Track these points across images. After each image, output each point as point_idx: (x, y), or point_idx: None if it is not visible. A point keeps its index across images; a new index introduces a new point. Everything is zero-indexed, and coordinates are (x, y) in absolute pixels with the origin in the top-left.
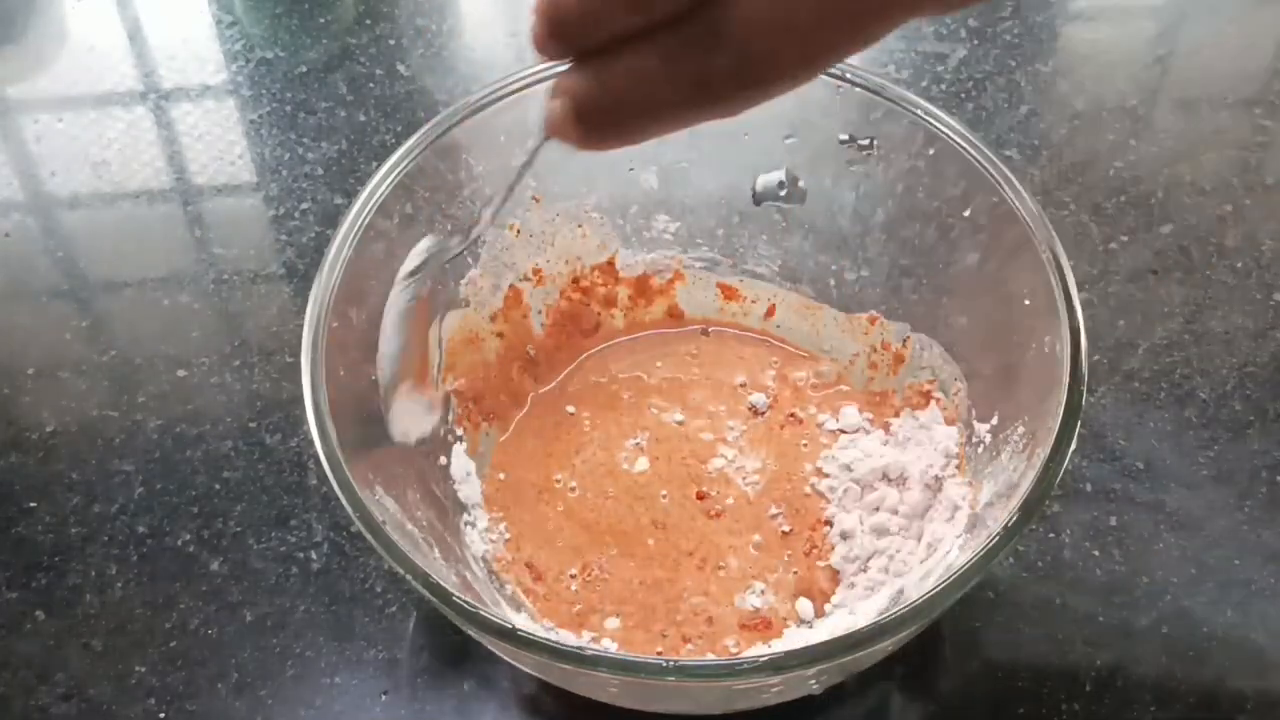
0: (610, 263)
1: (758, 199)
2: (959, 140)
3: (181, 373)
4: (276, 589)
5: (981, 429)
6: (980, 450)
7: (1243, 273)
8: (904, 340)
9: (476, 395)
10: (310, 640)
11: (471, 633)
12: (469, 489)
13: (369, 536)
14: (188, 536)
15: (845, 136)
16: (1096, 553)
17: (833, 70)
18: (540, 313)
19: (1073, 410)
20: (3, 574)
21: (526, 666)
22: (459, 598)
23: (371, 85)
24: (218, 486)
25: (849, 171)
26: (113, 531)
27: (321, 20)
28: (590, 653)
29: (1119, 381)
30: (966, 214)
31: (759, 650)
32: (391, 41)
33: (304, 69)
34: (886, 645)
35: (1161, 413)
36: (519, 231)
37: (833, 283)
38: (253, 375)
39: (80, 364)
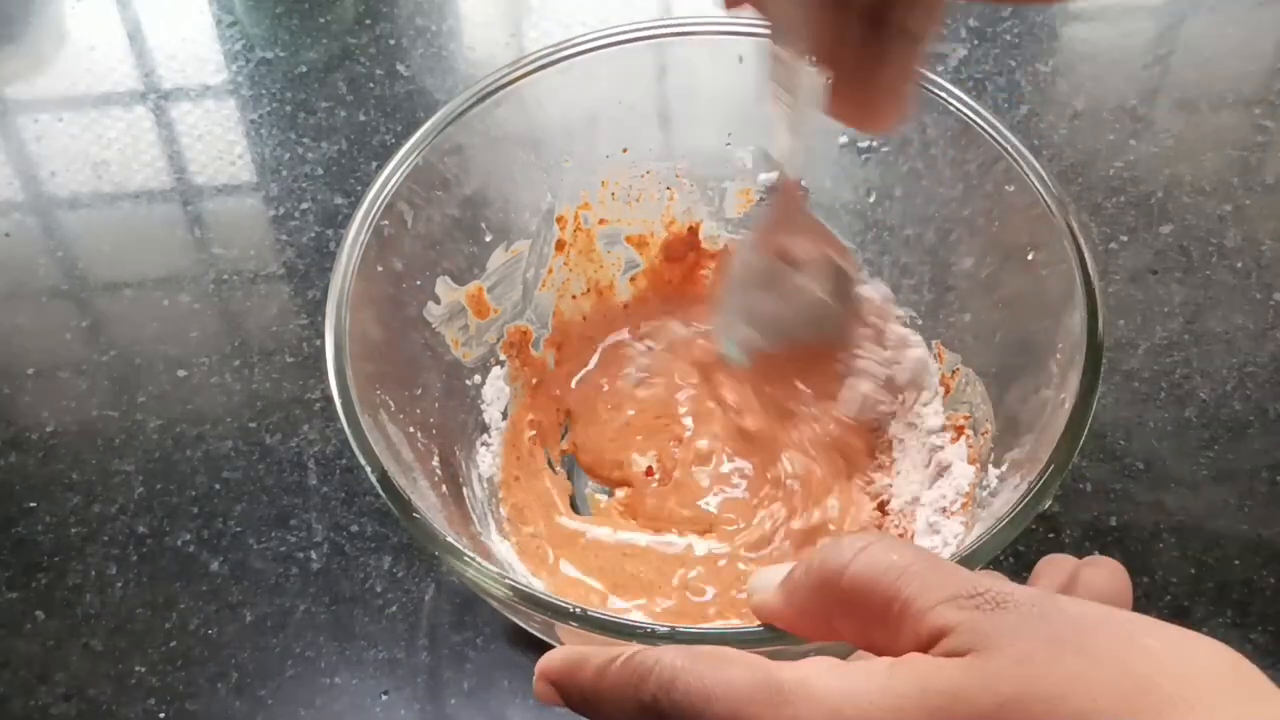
0: (693, 231)
1: (761, 195)
2: (1026, 169)
3: (181, 373)
4: (276, 589)
5: (993, 474)
6: (986, 494)
7: (1243, 273)
8: (953, 371)
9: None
10: (310, 640)
11: (415, 536)
12: (495, 412)
13: (354, 444)
14: (188, 536)
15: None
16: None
17: None
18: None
19: (1058, 462)
20: (3, 574)
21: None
22: (420, 512)
23: (371, 85)
24: (218, 486)
25: (911, 190)
26: (113, 531)
27: (321, 20)
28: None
29: (1119, 381)
30: (1019, 237)
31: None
32: (391, 41)
33: (304, 69)
34: None
35: (1161, 413)
36: (606, 184)
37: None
38: (253, 375)
39: (80, 364)
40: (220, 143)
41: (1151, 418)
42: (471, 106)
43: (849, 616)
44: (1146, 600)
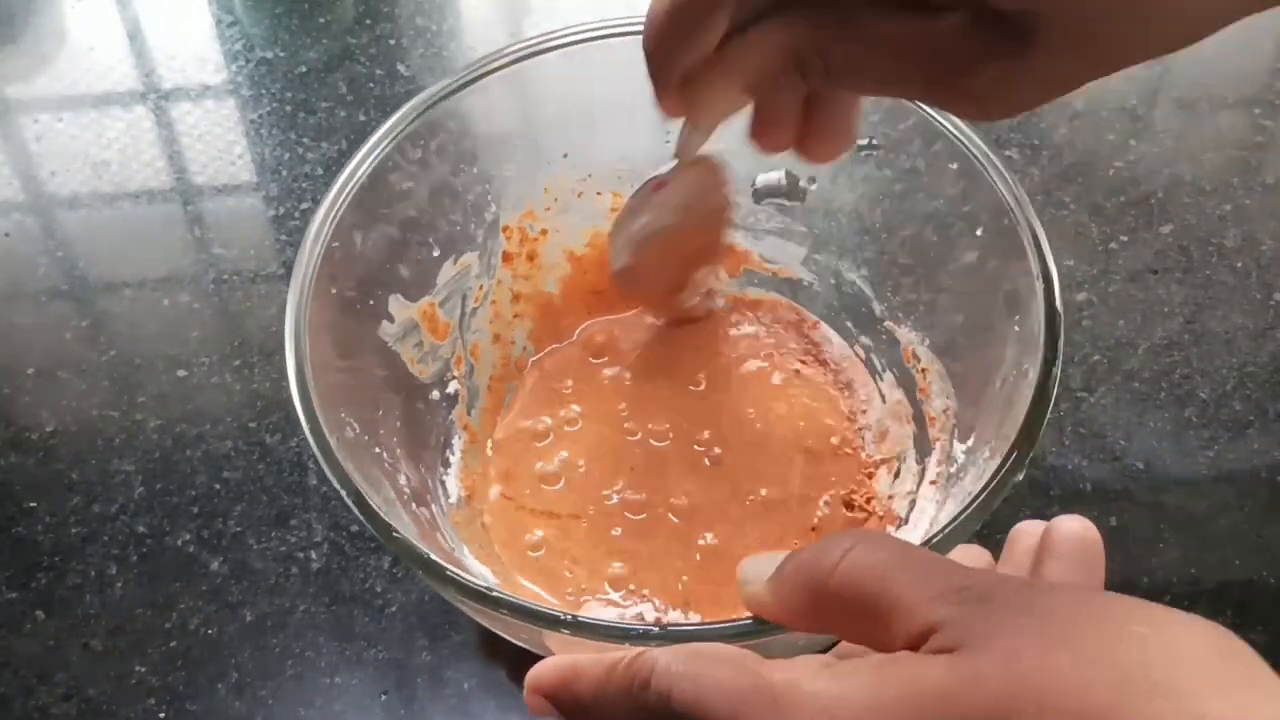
0: None
1: (757, 197)
2: (963, 140)
3: (181, 373)
4: (276, 589)
5: (959, 449)
6: (954, 469)
7: (1243, 273)
8: (909, 350)
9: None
10: (310, 640)
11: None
12: (457, 428)
13: (317, 451)
14: (188, 536)
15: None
16: None
17: None
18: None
19: (1029, 432)
20: (3, 574)
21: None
22: (377, 506)
23: (371, 85)
24: (218, 486)
25: (852, 171)
26: (113, 531)
27: (321, 20)
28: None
29: (1119, 381)
30: (965, 209)
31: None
32: (391, 41)
33: (304, 69)
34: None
35: (1161, 413)
36: (549, 190)
37: (833, 281)
38: (253, 375)
39: (80, 364)
40: (220, 143)
41: (1151, 418)
42: (411, 123)
43: (839, 615)
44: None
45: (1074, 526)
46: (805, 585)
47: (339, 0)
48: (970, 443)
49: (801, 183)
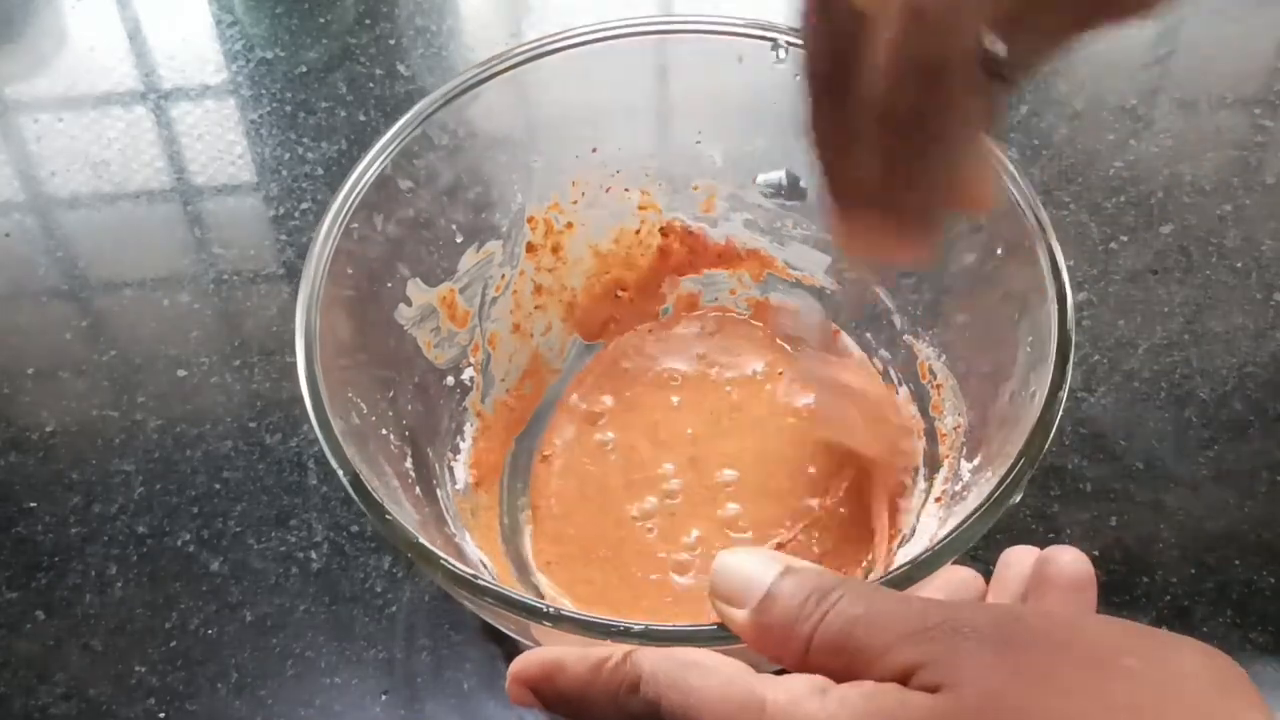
0: (665, 233)
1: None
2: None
3: (181, 373)
4: (276, 589)
5: (965, 468)
6: (959, 487)
7: (1243, 273)
8: (924, 365)
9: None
10: (310, 640)
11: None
12: (470, 414)
13: (317, 429)
14: (188, 536)
15: None
16: (1096, 553)
17: None
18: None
19: (1029, 453)
20: (3, 574)
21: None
22: (375, 493)
23: (371, 85)
24: (218, 486)
25: None
26: (113, 531)
27: (321, 20)
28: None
29: (1119, 381)
30: (988, 228)
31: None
32: (391, 41)
33: (304, 69)
34: None
35: (1161, 413)
36: (576, 184)
37: (856, 291)
38: (253, 375)
39: (80, 364)
40: (220, 143)
41: (1151, 418)
42: (439, 109)
43: (818, 667)
44: (1146, 600)
45: (1068, 559)
46: (782, 643)
47: (339, 0)
48: (977, 461)
49: (802, 182)
